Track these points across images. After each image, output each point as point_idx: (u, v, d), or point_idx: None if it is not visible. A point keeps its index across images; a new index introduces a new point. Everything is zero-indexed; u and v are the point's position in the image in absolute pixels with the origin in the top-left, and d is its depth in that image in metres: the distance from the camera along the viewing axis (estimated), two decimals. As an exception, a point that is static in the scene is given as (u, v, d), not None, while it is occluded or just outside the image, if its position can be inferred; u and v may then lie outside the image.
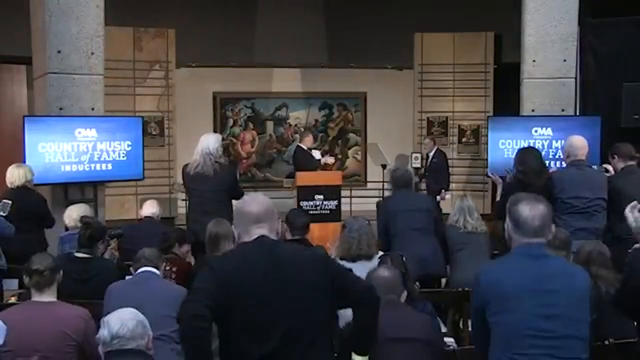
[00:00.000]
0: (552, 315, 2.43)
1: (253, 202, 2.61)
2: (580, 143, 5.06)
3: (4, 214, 4.97)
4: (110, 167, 6.24)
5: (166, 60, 9.04)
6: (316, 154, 8.88)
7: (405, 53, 9.79)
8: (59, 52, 5.87)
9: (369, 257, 4.20)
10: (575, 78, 6.81)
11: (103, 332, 2.53)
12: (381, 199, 8.75)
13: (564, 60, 6.61)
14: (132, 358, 2.48)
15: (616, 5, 7.59)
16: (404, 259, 3.91)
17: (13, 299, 4.42)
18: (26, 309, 3.19)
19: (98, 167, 6.06)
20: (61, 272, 3.35)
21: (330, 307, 2.55)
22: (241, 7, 10.23)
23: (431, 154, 8.97)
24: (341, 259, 4.33)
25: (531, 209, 2.56)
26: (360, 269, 4.22)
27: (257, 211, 2.56)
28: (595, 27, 7.48)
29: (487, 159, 6.84)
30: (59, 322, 3.05)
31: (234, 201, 3.92)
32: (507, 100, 8.71)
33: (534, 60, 6.62)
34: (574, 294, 2.49)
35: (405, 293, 3.21)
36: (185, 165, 5.57)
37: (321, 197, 6.97)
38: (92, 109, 6.06)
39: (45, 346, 2.96)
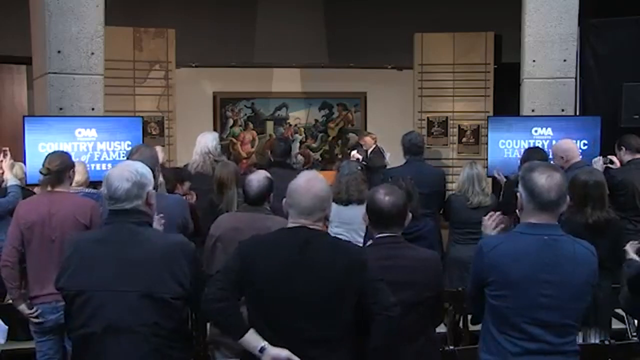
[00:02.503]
0: (552, 306, 2.42)
1: (307, 193, 2.51)
2: (574, 145, 5.07)
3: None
4: (110, 167, 6.23)
5: (166, 60, 9.03)
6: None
7: (405, 53, 9.78)
8: (59, 52, 5.87)
9: (361, 202, 4.38)
10: (575, 78, 6.81)
11: (103, 190, 2.65)
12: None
13: (564, 60, 6.60)
14: (126, 217, 2.57)
15: (616, 5, 7.60)
16: (411, 179, 3.86)
17: (13, 300, 4.42)
18: (46, 195, 3.88)
19: (98, 167, 6.04)
20: (72, 170, 3.91)
21: (353, 311, 2.48)
22: (241, 7, 10.22)
23: (369, 151, 9.12)
24: (333, 201, 4.61)
25: (547, 179, 2.42)
26: (351, 213, 4.54)
27: (306, 205, 2.50)
28: (595, 27, 7.49)
29: (487, 159, 6.83)
30: (72, 209, 3.75)
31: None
32: (507, 100, 8.71)
33: (534, 60, 6.61)
34: (576, 285, 2.45)
35: (410, 215, 2.97)
36: (185, 166, 5.57)
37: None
38: (92, 109, 6.05)
39: (62, 228, 3.69)
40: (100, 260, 2.52)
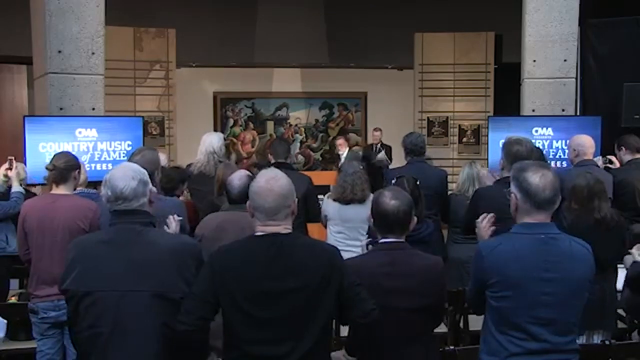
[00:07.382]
0: (552, 304, 2.43)
1: (269, 193, 2.43)
2: (589, 142, 4.96)
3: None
4: (110, 167, 6.21)
5: (166, 60, 9.05)
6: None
7: (405, 53, 9.79)
8: (59, 52, 5.87)
9: (362, 201, 4.69)
10: (576, 78, 6.81)
11: (107, 192, 2.55)
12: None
13: (564, 60, 6.60)
14: (134, 218, 2.55)
15: (616, 5, 7.61)
16: (418, 182, 3.81)
17: (13, 299, 4.42)
18: (48, 197, 3.86)
19: (98, 167, 6.04)
20: (77, 171, 3.87)
21: (331, 312, 2.48)
22: (241, 7, 10.23)
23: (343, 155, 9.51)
24: (335, 200, 4.86)
25: (541, 178, 2.44)
26: (352, 212, 4.74)
27: (271, 205, 2.42)
28: (595, 27, 7.49)
29: (487, 159, 6.83)
30: (73, 213, 3.72)
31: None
32: (507, 100, 8.73)
33: (534, 60, 6.61)
34: (575, 281, 2.46)
35: (415, 219, 2.88)
36: (189, 166, 5.56)
37: (322, 196, 6.98)
38: (93, 109, 6.05)
39: (63, 231, 3.69)
40: (108, 261, 2.49)
